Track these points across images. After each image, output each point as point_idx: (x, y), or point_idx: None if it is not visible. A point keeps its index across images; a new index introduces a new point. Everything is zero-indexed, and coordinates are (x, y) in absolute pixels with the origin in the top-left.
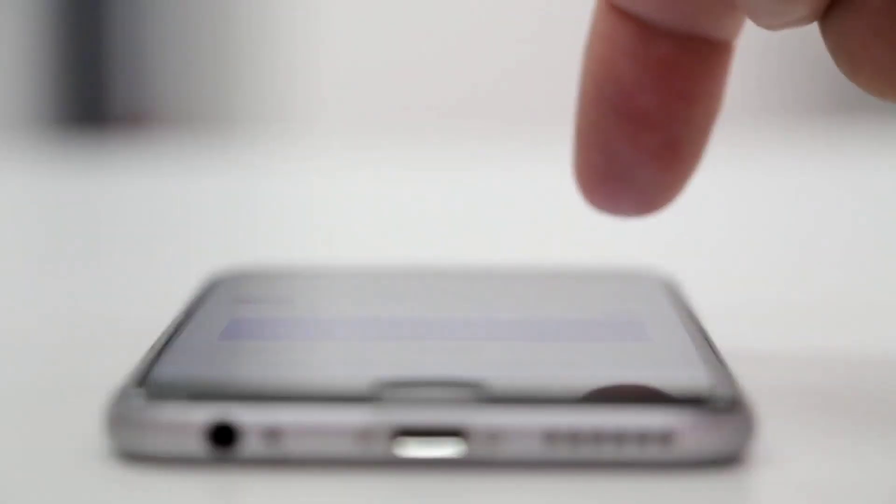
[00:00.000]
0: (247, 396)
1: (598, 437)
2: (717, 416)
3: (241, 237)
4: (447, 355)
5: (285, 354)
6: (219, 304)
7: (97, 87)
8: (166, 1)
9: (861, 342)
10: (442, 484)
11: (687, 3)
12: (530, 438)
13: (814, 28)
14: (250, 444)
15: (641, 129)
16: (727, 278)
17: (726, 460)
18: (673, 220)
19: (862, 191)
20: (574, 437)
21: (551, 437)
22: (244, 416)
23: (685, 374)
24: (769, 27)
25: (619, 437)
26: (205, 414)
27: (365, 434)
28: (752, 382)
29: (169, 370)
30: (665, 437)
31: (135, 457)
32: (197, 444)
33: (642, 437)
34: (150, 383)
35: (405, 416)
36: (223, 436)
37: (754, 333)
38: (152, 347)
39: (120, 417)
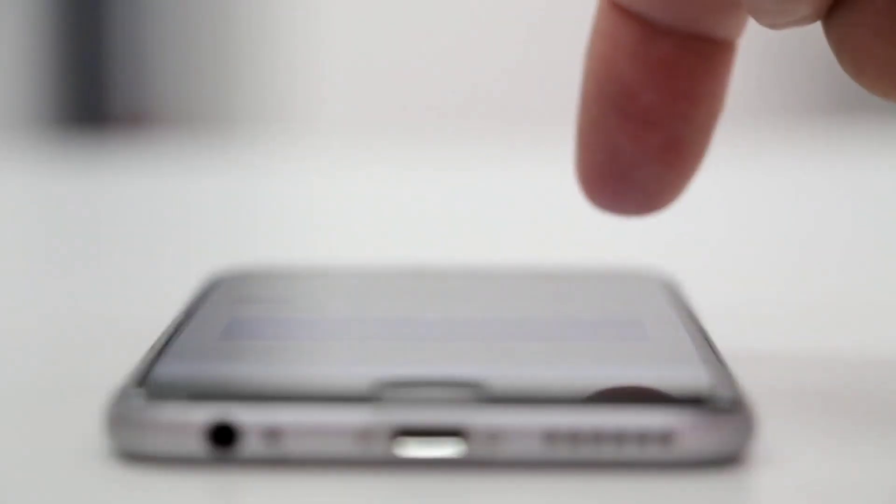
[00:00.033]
0: (247, 396)
1: (598, 437)
2: (717, 416)
3: (241, 237)
4: (447, 355)
5: (285, 354)
6: (219, 304)
7: (97, 87)
8: (166, 1)
9: (861, 342)
10: (442, 484)
11: (689, 2)
12: (530, 438)
13: (813, 28)
14: (250, 444)
15: (643, 128)
16: (727, 278)
17: (726, 460)
18: (673, 220)
19: (862, 191)
20: (574, 437)
21: (551, 437)
22: (244, 416)
23: (685, 374)
24: (772, 26)
25: (619, 437)
26: (205, 414)
27: (365, 434)
28: (752, 382)
29: (169, 370)
30: (665, 437)
31: (135, 457)
32: (197, 444)
33: (642, 437)
34: (150, 383)
35: (405, 416)
36: (223, 436)
37: (754, 333)
38: (152, 347)
39: (120, 417)
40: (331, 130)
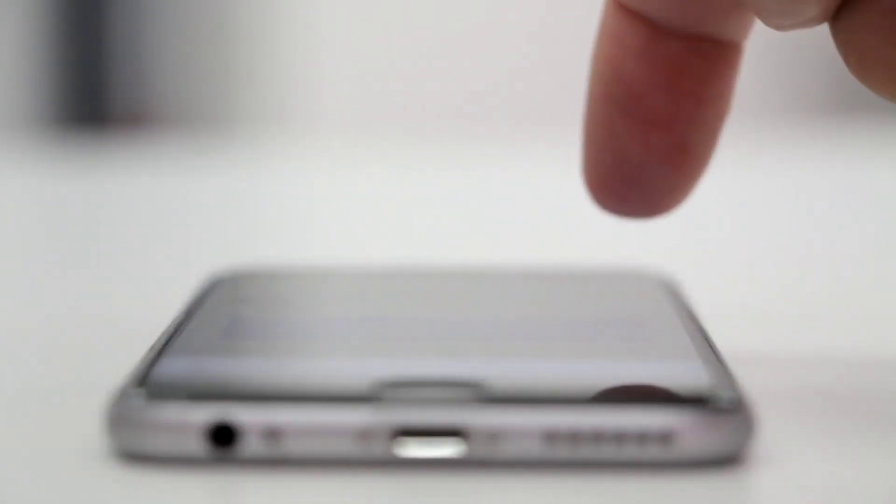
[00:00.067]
0: (247, 396)
1: (598, 437)
2: (718, 416)
3: (241, 237)
4: (447, 355)
5: (285, 354)
6: (219, 304)
7: (97, 87)
8: (166, 1)
9: (861, 343)
10: (442, 484)
11: (696, 4)
12: (530, 438)
13: (814, 28)
14: (250, 444)
15: (650, 129)
16: (727, 279)
17: (726, 460)
18: (673, 221)
19: (862, 191)
20: (574, 437)
21: (551, 437)
22: (244, 416)
23: (685, 375)
24: (778, 28)
25: (620, 437)
26: (205, 414)
27: (365, 434)
28: (752, 382)
29: (169, 370)
30: (665, 437)
31: (135, 457)
32: (197, 444)
33: (642, 437)
34: (150, 383)
35: (405, 416)
36: (223, 436)
37: (754, 333)
38: (152, 347)
39: (120, 417)
40: (331, 130)
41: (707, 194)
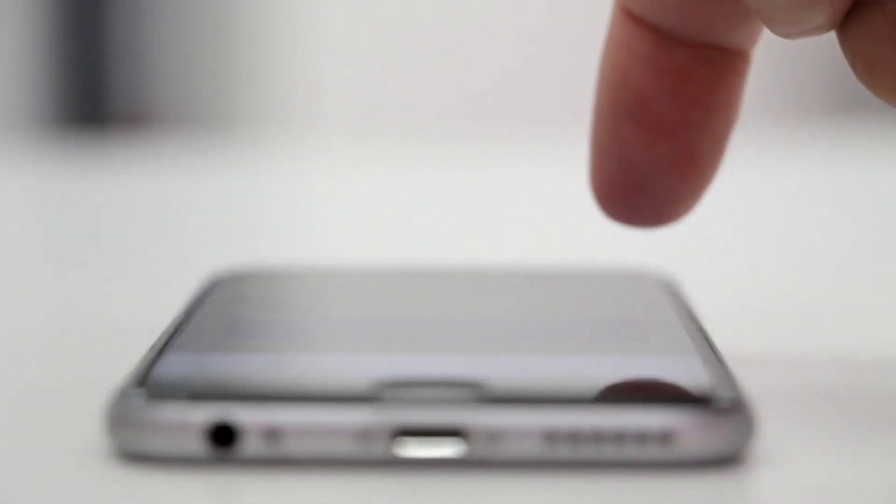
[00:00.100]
0: (247, 396)
1: (598, 437)
2: (718, 416)
3: (241, 237)
4: (447, 355)
5: (285, 354)
6: (219, 304)
7: (97, 87)
8: (166, 1)
9: (861, 343)
10: (442, 484)
11: (703, 12)
12: (530, 438)
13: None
14: (250, 444)
15: (658, 138)
16: (727, 279)
17: (726, 460)
18: None
19: (862, 191)
20: (574, 437)
21: (551, 437)
22: (244, 416)
23: (685, 375)
24: (786, 36)
25: (620, 437)
26: (205, 414)
27: (365, 434)
28: (752, 382)
29: (169, 370)
30: (665, 437)
31: (135, 457)
32: (197, 444)
33: (642, 437)
34: (150, 383)
35: (405, 416)
36: (223, 436)
37: (754, 334)
38: (152, 347)
39: (120, 417)
40: (331, 131)
41: (707, 194)
